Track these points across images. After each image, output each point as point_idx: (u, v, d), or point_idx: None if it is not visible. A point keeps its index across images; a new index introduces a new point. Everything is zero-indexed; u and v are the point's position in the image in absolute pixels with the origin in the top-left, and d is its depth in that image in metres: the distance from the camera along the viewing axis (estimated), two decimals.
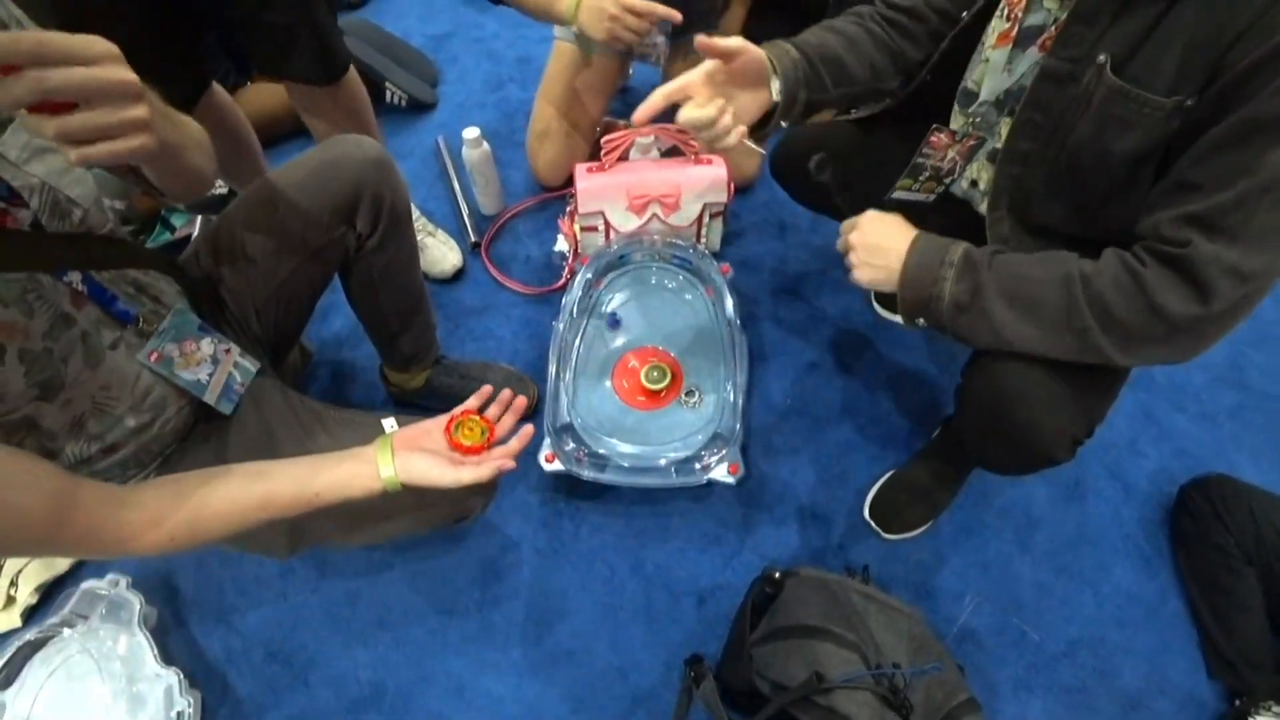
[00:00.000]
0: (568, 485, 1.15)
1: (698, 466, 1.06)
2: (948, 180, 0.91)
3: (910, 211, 0.83)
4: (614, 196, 1.26)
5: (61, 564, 1.06)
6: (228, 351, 0.80)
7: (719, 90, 0.79)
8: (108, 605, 0.97)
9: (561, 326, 1.19)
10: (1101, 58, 0.67)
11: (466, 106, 1.77)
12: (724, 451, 1.06)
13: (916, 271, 0.75)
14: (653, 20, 1.14)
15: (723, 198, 1.29)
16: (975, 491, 1.15)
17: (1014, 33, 0.76)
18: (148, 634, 0.96)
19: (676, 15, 1.13)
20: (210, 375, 0.77)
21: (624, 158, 1.30)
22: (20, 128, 0.58)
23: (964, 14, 0.82)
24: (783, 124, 0.87)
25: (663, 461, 1.07)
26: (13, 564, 1.04)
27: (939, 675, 0.84)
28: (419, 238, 1.31)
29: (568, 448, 1.08)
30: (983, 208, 0.87)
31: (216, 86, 1.18)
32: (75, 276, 0.62)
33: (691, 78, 0.78)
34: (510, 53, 1.90)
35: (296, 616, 1.05)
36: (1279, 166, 0.58)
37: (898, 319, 1.35)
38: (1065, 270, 0.68)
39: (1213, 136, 0.61)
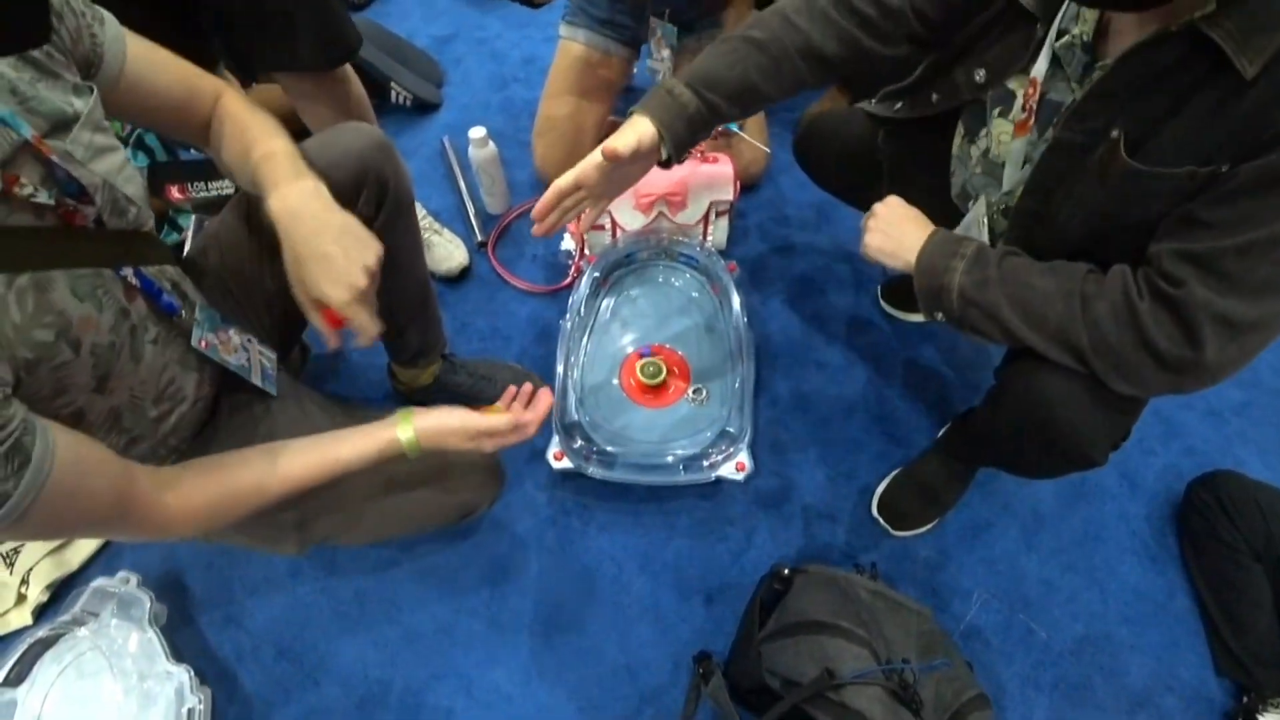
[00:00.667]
0: (575, 483, 1.15)
1: (705, 464, 1.06)
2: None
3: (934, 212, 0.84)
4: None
5: (72, 561, 1.06)
6: (250, 341, 0.82)
7: (611, 171, 0.80)
8: (118, 603, 0.98)
9: (569, 325, 1.19)
10: (1115, 132, 0.65)
11: (471, 107, 1.77)
12: (732, 449, 1.07)
13: (930, 259, 0.77)
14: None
15: (729, 196, 1.29)
16: (983, 489, 1.15)
17: (1030, 122, 0.75)
18: (158, 631, 0.96)
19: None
20: (247, 360, 0.80)
21: None
22: (85, 126, 0.59)
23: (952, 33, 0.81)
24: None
25: (670, 459, 1.07)
26: (25, 561, 1.04)
27: (948, 671, 0.84)
28: (425, 236, 1.31)
29: (576, 446, 1.08)
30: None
31: None
32: (128, 271, 0.64)
33: (585, 168, 0.80)
34: (515, 53, 1.91)
35: (306, 615, 1.05)
36: None
37: (905, 316, 1.35)
38: (1070, 286, 0.68)
39: (1234, 179, 0.60)
